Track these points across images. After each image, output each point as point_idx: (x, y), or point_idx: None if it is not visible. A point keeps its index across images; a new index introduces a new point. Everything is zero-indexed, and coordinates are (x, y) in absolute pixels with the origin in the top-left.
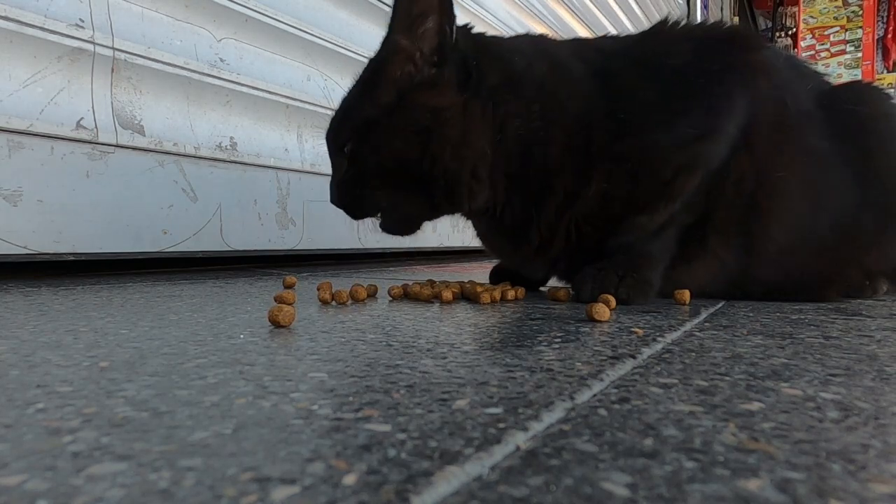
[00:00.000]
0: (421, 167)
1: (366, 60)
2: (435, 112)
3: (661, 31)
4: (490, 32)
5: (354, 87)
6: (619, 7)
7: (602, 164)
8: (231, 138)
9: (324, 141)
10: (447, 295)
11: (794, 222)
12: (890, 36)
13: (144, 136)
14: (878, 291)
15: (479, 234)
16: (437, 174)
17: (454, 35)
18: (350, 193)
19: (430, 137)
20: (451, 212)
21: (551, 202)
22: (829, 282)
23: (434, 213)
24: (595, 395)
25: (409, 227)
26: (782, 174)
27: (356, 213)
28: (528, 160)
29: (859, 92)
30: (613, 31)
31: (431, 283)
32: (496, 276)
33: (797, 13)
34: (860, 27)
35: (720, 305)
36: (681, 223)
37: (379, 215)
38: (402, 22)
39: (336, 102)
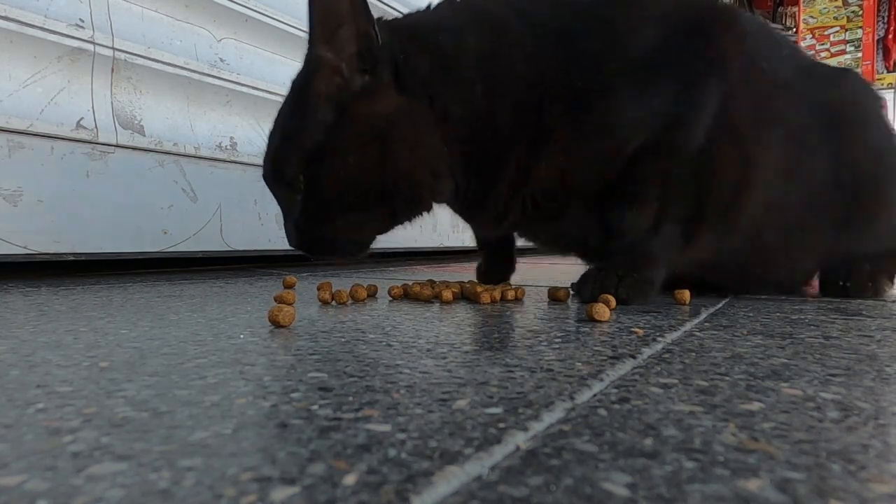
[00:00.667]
0: (383, 179)
1: None
2: (382, 119)
3: None
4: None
5: (282, 115)
6: None
7: (557, 137)
8: (231, 138)
9: None
10: (447, 295)
11: (773, 203)
12: (891, 36)
13: (144, 136)
14: (880, 292)
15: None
16: (399, 182)
17: (378, 36)
18: (312, 230)
19: (385, 146)
20: (414, 216)
21: (505, 176)
22: (800, 264)
23: (393, 225)
24: (595, 395)
25: (363, 248)
26: (762, 154)
27: (323, 250)
28: (480, 139)
29: (840, 75)
30: None
31: (431, 283)
32: (484, 276)
33: (797, 13)
34: (860, 27)
35: (720, 305)
36: (677, 217)
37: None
38: (319, 34)
39: None
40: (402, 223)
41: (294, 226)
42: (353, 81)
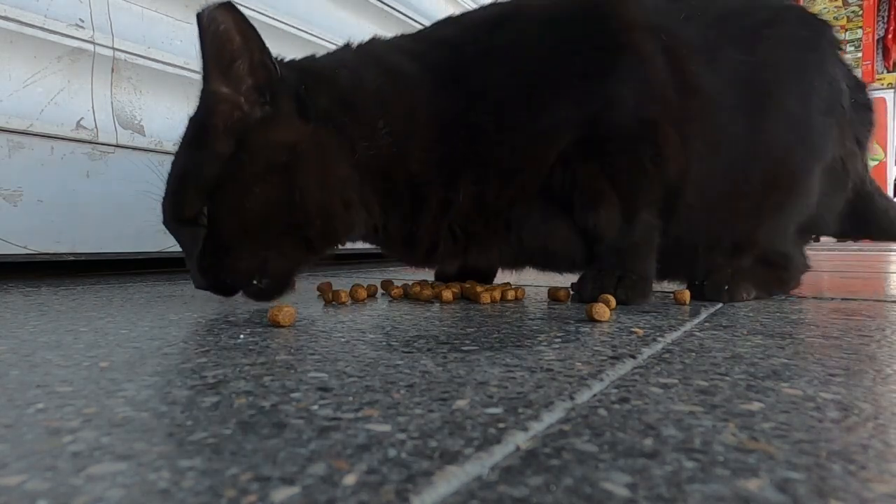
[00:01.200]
0: (290, 209)
1: None
2: (285, 147)
3: (513, 10)
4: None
5: (179, 155)
6: None
7: (468, 169)
8: None
9: None
10: (447, 295)
11: (698, 181)
12: (890, 36)
13: (144, 136)
14: (735, 297)
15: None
16: (309, 210)
17: (276, 66)
18: (218, 267)
19: (291, 174)
20: (329, 248)
21: (426, 212)
22: (710, 250)
23: (311, 256)
24: (595, 395)
25: (286, 284)
26: (693, 126)
27: (228, 288)
28: (392, 177)
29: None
30: None
31: (431, 283)
32: (442, 276)
33: None
34: (860, 27)
35: (720, 305)
36: (647, 203)
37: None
38: (214, 69)
39: None
40: (321, 254)
41: (196, 265)
42: (253, 113)
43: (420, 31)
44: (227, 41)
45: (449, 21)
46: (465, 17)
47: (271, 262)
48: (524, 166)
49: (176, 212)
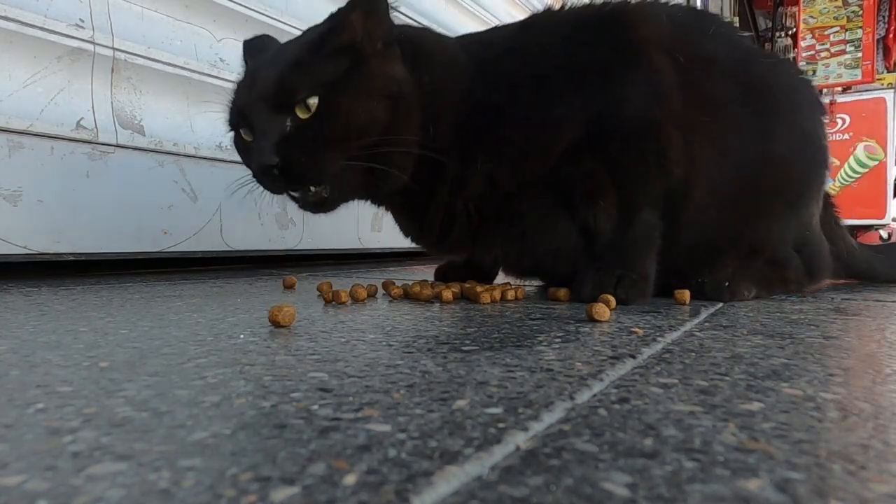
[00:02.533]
0: (384, 131)
1: None
2: (395, 80)
3: (543, 17)
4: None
5: (291, 49)
6: None
7: (483, 147)
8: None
9: None
10: (447, 295)
11: (705, 185)
12: (891, 36)
13: (144, 136)
14: (737, 296)
15: (396, 222)
16: (391, 137)
17: (391, 23)
18: (300, 151)
19: (396, 105)
20: (387, 186)
21: (443, 183)
22: (720, 252)
23: (362, 193)
24: (595, 395)
25: (341, 203)
26: (699, 134)
27: (294, 179)
28: (428, 141)
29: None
30: None
31: (432, 283)
32: (441, 275)
33: (797, 13)
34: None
35: (720, 305)
36: (648, 201)
37: (307, 190)
38: (353, 5)
39: None
40: (363, 196)
41: (276, 147)
42: (374, 45)
43: (469, 34)
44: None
45: (494, 28)
46: (507, 25)
47: (347, 177)
48: (534, 152)
49: (282, 90)
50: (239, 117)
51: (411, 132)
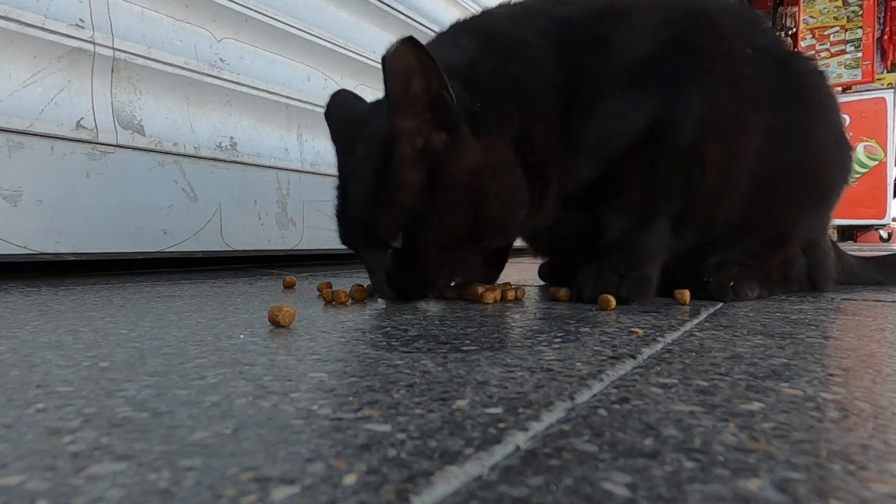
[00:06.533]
0: (482, 223)
1: (366, 60)
2: (473, 172)
3: (622, 10)
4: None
5: (360, 179)
6: None
7: (576, 149)
8: (231, 138)
9: (324, 139)
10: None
11: (739, 192)
12: (886, 37)
13: (144, 136)
14: (741, 295)
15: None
16: (494, 225)
17: (454, 99)
18: (413, 279)
19: (479, 197)
20: (500, 243)
21: (550, 195)
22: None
23: (480, 255)
24: (595, 395)
25: (477, 275)
26: (743, 154)
27: (418, 296)
28: (528, 167)
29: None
30: None
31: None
32: (548, 276)
33: (797, 13)
34: (860, 27)
35: (720, 305)
36: (667, 213)
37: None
38: (398, 105)
39: None
40: (490, 250)
41: (386, 282)
42: (436, 142)
43: (533, 3)
44: (410, 76)
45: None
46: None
47: (460, 267)
48: (608, 152)
49: (374, 237)
50: (348, 245)
51: (512, 199)
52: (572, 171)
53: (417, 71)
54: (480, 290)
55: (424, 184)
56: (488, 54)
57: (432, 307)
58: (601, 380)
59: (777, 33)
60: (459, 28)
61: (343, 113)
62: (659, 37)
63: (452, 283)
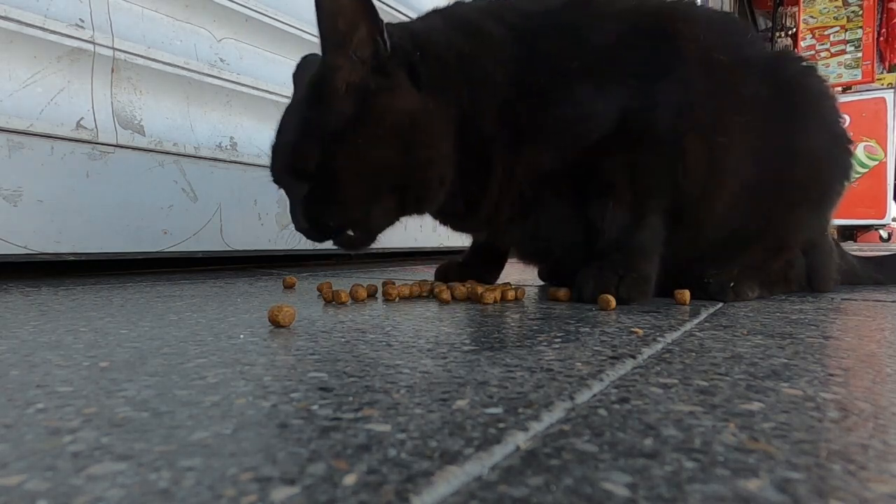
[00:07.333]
0: (402, 169)
1: None
2: (404, 114)
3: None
4: None
5: (294, 111)
6: None
7: (528, 133)
8: (231, 138)
9: None
10: (445, 295)
11: (730, 194)
12: (882, 39)
13: (144, 136)
14: (741, 296)
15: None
16: (417, 172)
17: (387, 43)
18: (324, 212)
19: (406, 138)
20: (419, 211)
21: (494, 181)
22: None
23: (396, 218)
24: (595, 395)
25: (374, 238)
26: (727, 143)
27: (324, 231)
28: (469, 146)
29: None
30: None
31: (432, 283)
32: (442, 275)
33: (797, 13)
34: (860, 27)
35: (720, 305)
36: (657, 209)
37: (339, 237)
38: (332, 41)
39: None
40: (405, 214)
41: (303, 211)
42: (370, 81)
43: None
44: (345, 11)
45: None
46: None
47: (372, 216)
48: (572, 141)
49: (292, 162)
50: (277, 183)
51: (438, 156)
52: (528, 157)
53: (349, 9)
54: (480, 290)
55: (351, 117)
56: (448, 29)
57: (432, 307)
58: (601, 380)
59: (770, 36)
60: (433, 11)
61: (305, 73)
62: (628, 27)
63: (350, 233)
